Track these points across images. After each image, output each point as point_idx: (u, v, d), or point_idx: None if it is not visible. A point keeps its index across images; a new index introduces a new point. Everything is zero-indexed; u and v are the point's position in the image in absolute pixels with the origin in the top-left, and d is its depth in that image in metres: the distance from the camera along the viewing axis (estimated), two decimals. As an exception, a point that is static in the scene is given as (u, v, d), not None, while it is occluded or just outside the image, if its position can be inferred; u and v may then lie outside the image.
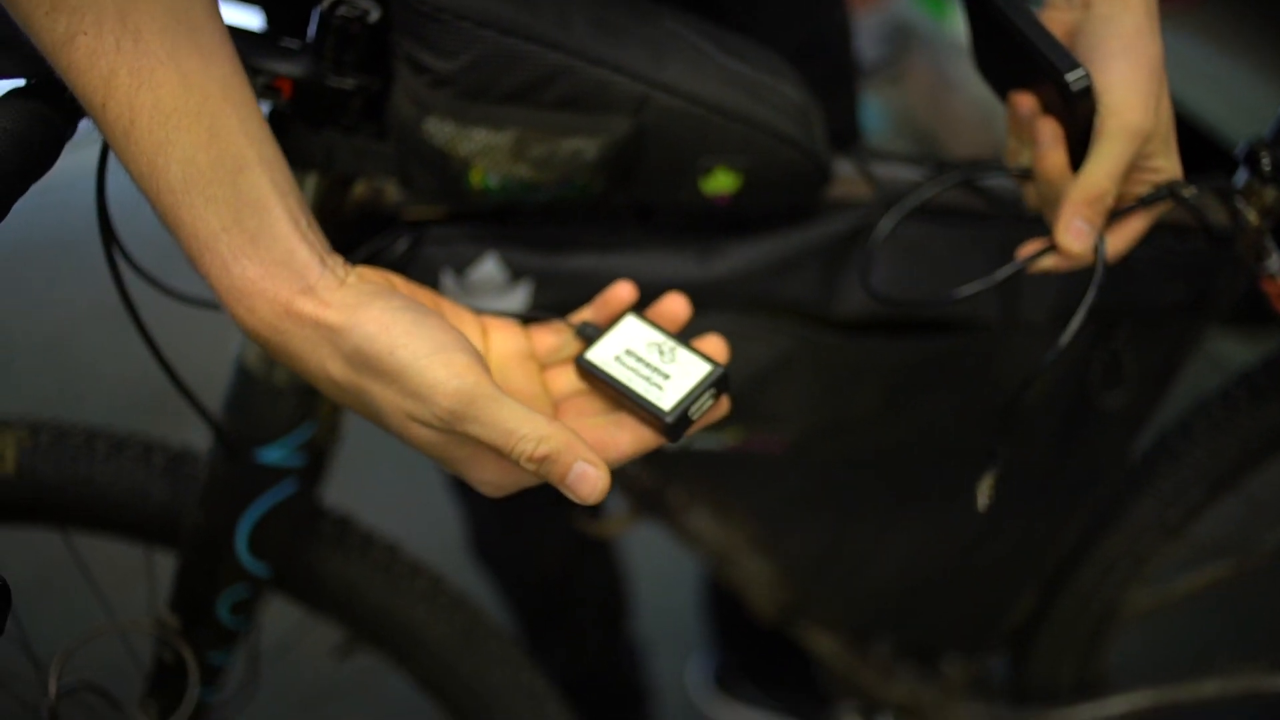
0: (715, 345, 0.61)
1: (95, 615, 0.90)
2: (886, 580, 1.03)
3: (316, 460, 0.81)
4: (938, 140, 2.18)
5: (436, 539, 1.34)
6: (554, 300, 0.75)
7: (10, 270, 2.26)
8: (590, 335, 0.61)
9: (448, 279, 0.73)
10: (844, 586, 1.03)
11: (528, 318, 0.64)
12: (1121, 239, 0.67)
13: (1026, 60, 0.64)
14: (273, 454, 0.77)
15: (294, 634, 0.98)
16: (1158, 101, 0.62)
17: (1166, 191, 0.66)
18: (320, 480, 0.89)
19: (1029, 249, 0.68)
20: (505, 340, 0.61)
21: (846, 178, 0.79)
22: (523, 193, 0.69)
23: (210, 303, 0.57)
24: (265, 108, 0.68)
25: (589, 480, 0.49)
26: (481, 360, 0.51)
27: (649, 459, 0.89)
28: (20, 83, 0.58)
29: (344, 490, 0.93)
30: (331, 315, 0.50)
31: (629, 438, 0.56)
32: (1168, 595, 1.13)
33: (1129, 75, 0.61)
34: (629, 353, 0.58)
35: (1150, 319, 0.87)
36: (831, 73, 0.94)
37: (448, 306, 0.60)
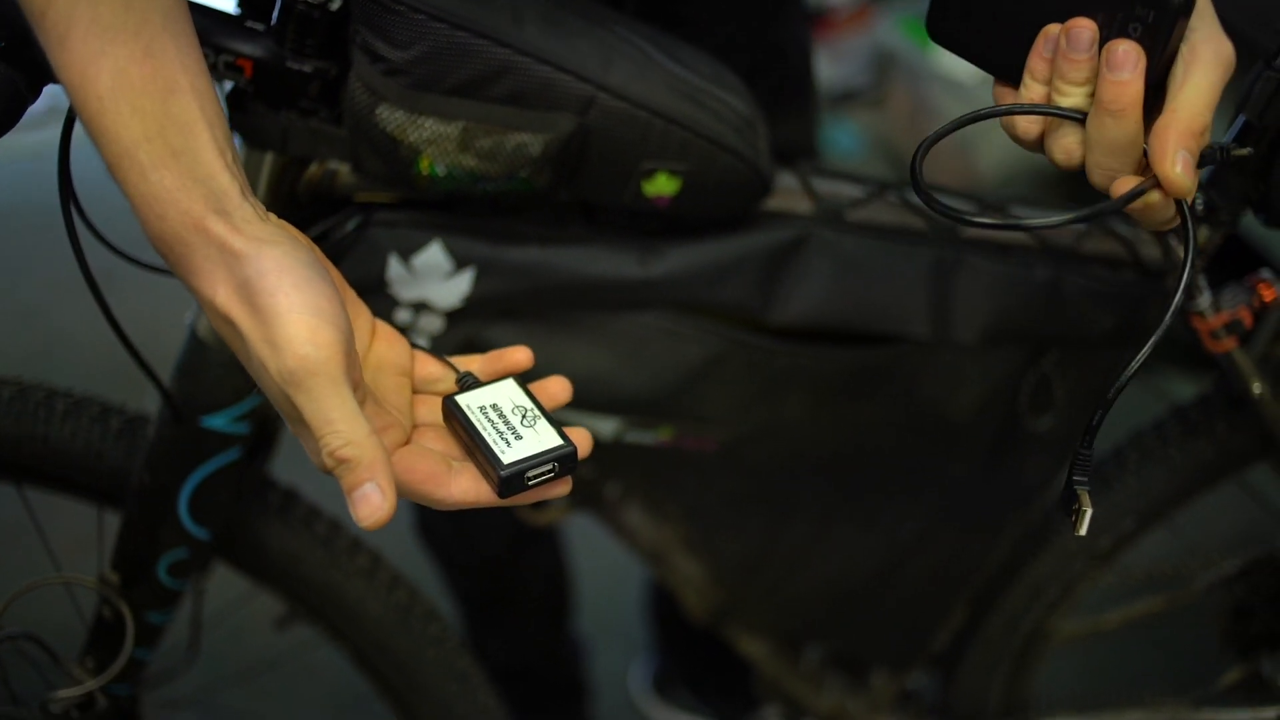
0: (580, 435, 0.62)
1: (46, 570, 0.93)
2: (816, 588, 1.06)
3: (262, 431, 0.84)
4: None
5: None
6: (496, 290, 0.78)
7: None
8: (468, 384, 0.63)
9: (394, 262, 0.76)
10: (774, 592, 1.06)
11: (418, 347, 0.65)
12: (1184, 178, 0.55)
13: None
14: (218, 421, 0.80)
15: (236, 604, 1.00)
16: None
17: (1220, 152, 0.58)
18: (268, 452, 0.92)
19: (1124, 185, 0.56)
20: (390, 350, 0.62)
21: (789, 190, 0.82)
22: (469, 183, 0.72)
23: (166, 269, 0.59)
24: (227, 86, 0.71)
25: (371, 503, 0.49)
26: (350, 346, 0.52)
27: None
28: (-10, 45, 0.61)
29: (294, 466, 0.95)
30: (238, 242, 0.51)
31: (464, 485, 0.57)
32: (1098, 625, 1.16)
33: (1206, 6, 0.55)
34: (494, 407, 0.61)
35: (1080, 346, 0.90)
36: (788, 87, 0.97)
37: (351, 296, 0.61)
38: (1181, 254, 0.77)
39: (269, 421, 0.87)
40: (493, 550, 1.31)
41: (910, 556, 1.04)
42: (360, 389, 0.55)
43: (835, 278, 0.81)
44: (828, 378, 0.87)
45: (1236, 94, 0.79)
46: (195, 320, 0.79)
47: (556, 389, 0.65)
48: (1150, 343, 0.57)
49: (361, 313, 0.61)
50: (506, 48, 0.67)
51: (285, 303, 0.50)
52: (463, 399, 0.61)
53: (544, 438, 0.59)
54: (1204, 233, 0.85)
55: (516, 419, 0.60)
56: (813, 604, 1.08)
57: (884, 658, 1.15)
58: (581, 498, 0.98)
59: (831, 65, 2.45)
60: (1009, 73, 0.61)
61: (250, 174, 0.73)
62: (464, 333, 0.80)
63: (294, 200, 0.74)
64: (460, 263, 0.77)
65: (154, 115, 0.51)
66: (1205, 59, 0.54)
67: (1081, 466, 0.61)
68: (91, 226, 0.71)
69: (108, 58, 0.51)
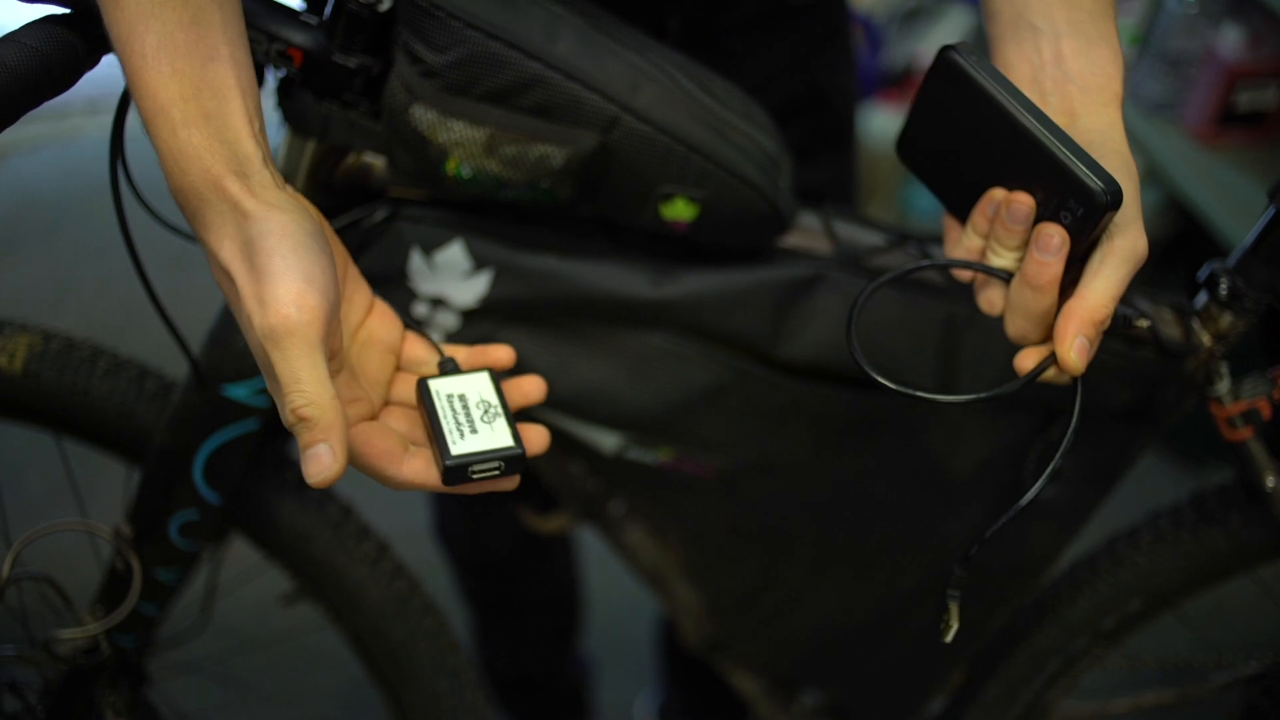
0: (537, 433, 0.65)
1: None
2: (810, 631, 1.06)
3: (283, 407, 0.87)
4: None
5: (421, 529, 1.41)
6: (511, 293, 0.80)
7: (89, 205, 2.40)
8: (447, 370, 0.66)
9: (416, 256, 0.79)
10: (768, 629, 1.06)
11: (411, 325, 0.69)
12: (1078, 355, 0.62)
13: (1028, 161, 0.61)
14: (239, 391, 0.83)
15: (247, 576, 1.04)
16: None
17: (1123, 322, 0.65)
18: (290, 434, 0.95)
19: (1028, 360, 0.64)
20: (382, 327, 0.66)
21: (810, 229, 0.83)
22: (493, 187, 0.75)
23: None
24: (278, 74, 0.75)
25: (321, 462, 0.52)
26: (332, 316, 0.55)
27: (592, 463, 0.94)
28: (58, 11, 0.65)
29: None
30: (249, 203, 0.55)
31: (415, 467, 0.60)
32: (1106, 710, 1.14)
33: (1130, 196, 0.60)
34: (461, 398, 0.63)
35: (1092, 419, 0.89)
36: (826, 130, 0.98)
37: (353, 273, 0.65)
38: (1196, 341, 0.79)
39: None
40: (503, 554, 1.33)
41: (907, 612, 1.04)
42: (338, 360, 0.58)
43: (845, 319, 0.83)
44: (828, 418, 0.88)
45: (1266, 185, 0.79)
46: (230, 296, 0.83)
47: (530, 386, 0.68)
48: (1065, 442, 0.65)
49: (361, 289, 0.65)
50: (537, 61, 0.70)
51: (280, 265, 0.53)
52: (435, 383, 0.63)
53: (498, 436, 0.61)
54: (1228, 320, 0.85)
55: (478, 413, 0.62)
56: (806, 646, 1.08)
57: (878, 713, 1.14)
58: (586, 512, 1.00)
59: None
60: (958, 213, 0.68)
61: (292, 158, 0.76)
62: (479, 332, 0.83)
63: (330, 187, 0.78)
64: (479, 263, 0.79)
65: (191, 78, 0.56)
66: (1119, 253, 0.59)
67: (957, 582, 0.67)
68: (141, 198, 0.76)
69: (156, 20, 0.55)
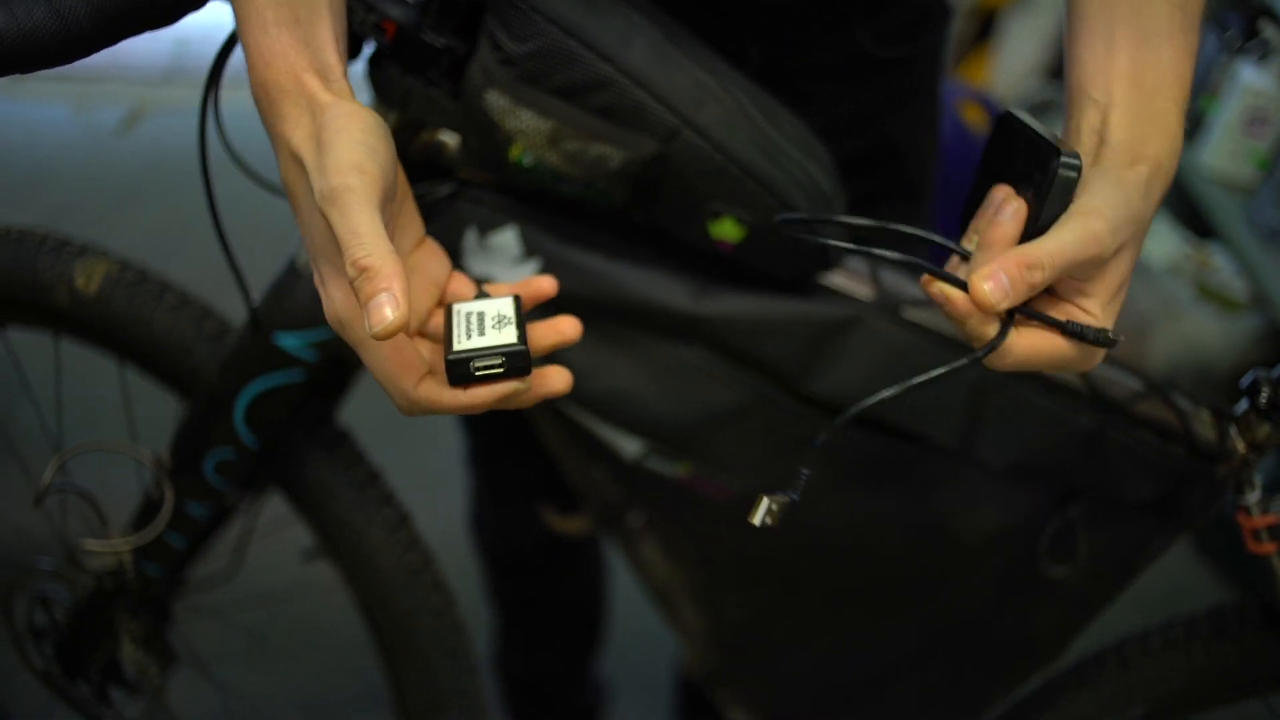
0: (558, 374, 0.67)
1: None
2: (810, 677, 1.06)
3: (330, 364, 0.90)
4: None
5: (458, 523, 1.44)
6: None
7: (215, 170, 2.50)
8: (478, 296, 0.68)
9: (470, 235, 0.82)
10: (769, 667, 1.07)
11: (460, 269, 0.71)
12: (1025, 342, 0.60)
13: (1023, 155, 0.62)
14: (290, 340, 0.87)
15: (276, 527, 1.07)
16: (1124, 247, 0.61)
17: (1087, 333, 0.61)
18: (336, 392, 0.99)
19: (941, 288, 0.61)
20: (430, 260, 0.70)
21: (856, 272, 0.85)
22: (550, 180, 0.77)
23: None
24: (371, 44, 0.79)
25: (383, 310, 0.53)
26: (389, 186, 0.59)
27: (614, 470, 0.96)
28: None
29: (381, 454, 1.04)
30: (326, 98, 0.60)
31: (430, 385, 0.63)
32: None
33: (1112, 200, 0.59)
34: (479, 314, 0.65)
35: (1113, 506, 0.89)
36: (896, 184, 0.99)
37: (409, 205, 0.69)
38: (1231, 446, 0.78)
39: (342, 366, 0.94)
40: (529, 552, 1.34)
41: (907, 673, 1.03)
42: (390, 225, 0.61)
43: (876, 366, 0.83)
44: (845, 458, 0.88)
45: None
46: (296, 252, 0.87)
47: (566, 325, 0.70)
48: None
49: (414, 219, 0.69)
50: (609, 64, 0.73)
51: (345, 138, 0.58)
52: (458, 306, 0.66)
53: (503, 336, 0.62)
54: (1265, 429, 0.84)
55: (490, 323, 0.64)
56: (804, 692, 1.08)
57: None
58: (606, 519, 1.02)
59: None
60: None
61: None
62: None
63: (404, 158, 0.81)
64: (530, 251, 0.82)
65: None
66: (1073, 222, 0.59)
67: (792, 484, 0.68)
68: (231, 151, 0.80)
69: None
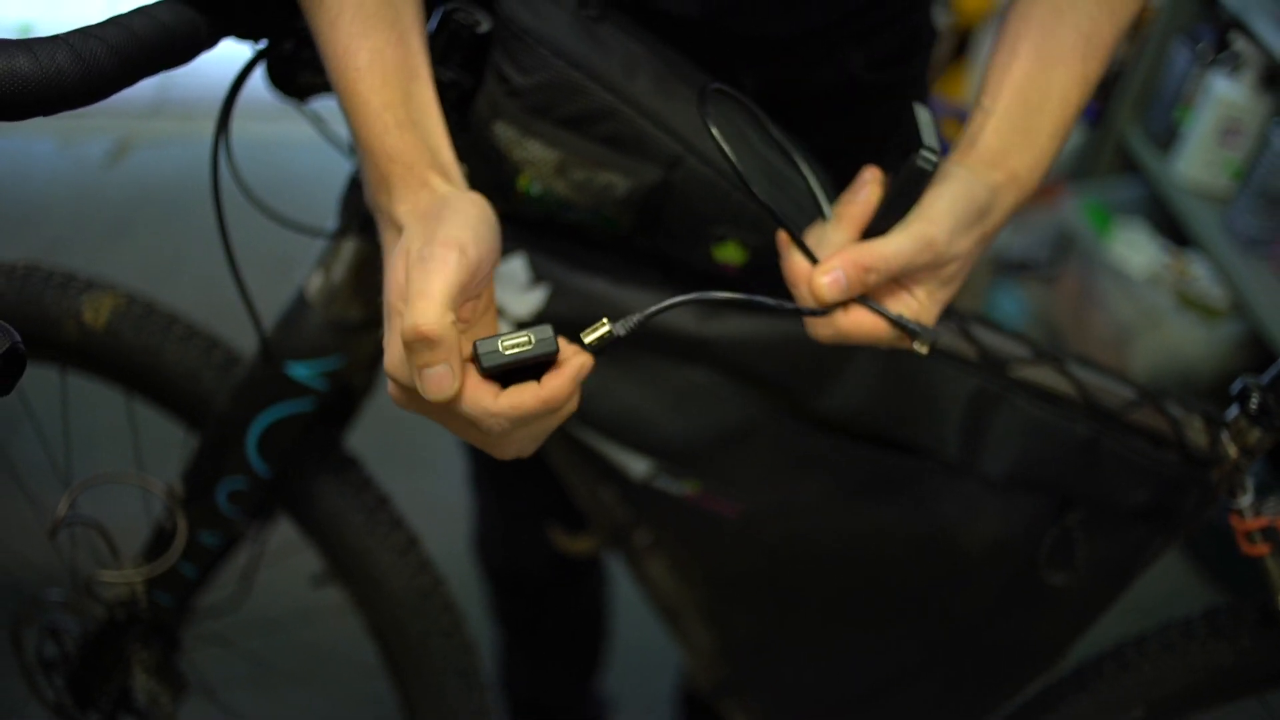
0: (580, 354, 0.64)
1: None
2: (814, 687, 1.07)
3: (339, 392, 0.92)
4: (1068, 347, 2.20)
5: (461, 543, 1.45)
6: (563, 310, 0.85)
7: (206, 200, 2.52)
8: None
9: None
10: (775, 680, 1.08)
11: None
12: (852, 318, 0.66)
13: (904, 144, 0.67)
14: (301, 370, 0.89)
15: (280, 554, 1.09)
16: (962, 251, 0.66)
17: (912, 327, 0.67)
18: (343, 419, 1.00)
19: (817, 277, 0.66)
20: (483, 317, 0.67)
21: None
22: (558, 208, 0.79)
23: (310, 228, 0.70)
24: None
25: (443, 381, 0.57)
26: (480, 275, 0.61)
27: (623, 490, 0.97)
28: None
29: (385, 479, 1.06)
30: (446, 189, 0.65)
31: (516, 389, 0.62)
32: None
33: (956, 206, 0.64)
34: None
35: (1110, 513, 0.91)
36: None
37: (491, 315, 0.68)
38: (1223, 452, 0.80)
39: (350, 393, 0.96)
40: (534, 572, 1.36)
41: (910, 682, 1.05)
42: (464, 308, 0.62)
43: (879, 382, 0.86)
44: (850, 472, 0.90)
45: None
46: (305, 282, 0.89)
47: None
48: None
49: (489, 288, 0.68)
50: (613, 94, 0.75)
51: (461, 219, 0.62)
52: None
53: (534, 330, 0.61)
54: (1256, 435, 0.86)
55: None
56: (808, 701, 1.09)
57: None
58: (614, 538, 1.03)
59: (1012, 234, 2.47)
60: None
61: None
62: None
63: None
64: (538, 277, 0.84)
65: (400, 89, 0.66)
66: (912, 227, 0.65)
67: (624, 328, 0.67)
68: (243, 186, 0.82)
69: (368, 39, 0.65)
